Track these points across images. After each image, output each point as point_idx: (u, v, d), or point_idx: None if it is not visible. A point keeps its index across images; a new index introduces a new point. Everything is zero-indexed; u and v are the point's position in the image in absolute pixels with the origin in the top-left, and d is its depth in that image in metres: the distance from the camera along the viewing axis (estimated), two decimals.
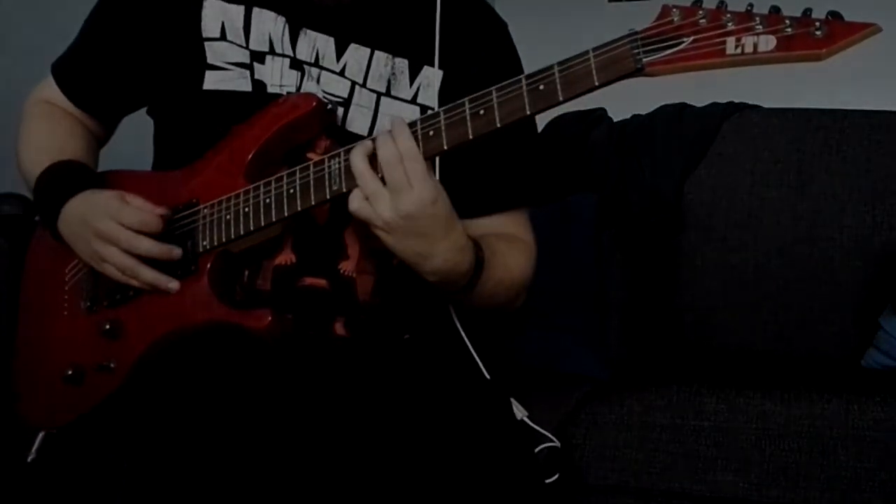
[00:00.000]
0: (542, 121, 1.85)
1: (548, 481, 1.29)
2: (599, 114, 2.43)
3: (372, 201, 1.14)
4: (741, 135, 2.27)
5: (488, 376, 1.33)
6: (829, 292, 2.14)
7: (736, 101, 2.34)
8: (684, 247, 2.24)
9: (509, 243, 1.35)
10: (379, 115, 1.34)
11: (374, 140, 1.15)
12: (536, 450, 1.32)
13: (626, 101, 2.35)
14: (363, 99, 1.33)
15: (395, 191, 1.12)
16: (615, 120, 2.43)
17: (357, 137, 1.28)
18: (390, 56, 1.34)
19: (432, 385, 1.23)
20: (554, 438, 1.33)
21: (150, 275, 1.26)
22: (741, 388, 1.76)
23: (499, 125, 1.11)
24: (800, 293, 2.16)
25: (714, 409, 1.74)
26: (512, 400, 1.35)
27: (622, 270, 2.17)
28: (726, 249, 2.22)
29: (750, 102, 2.33)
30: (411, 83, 1.35)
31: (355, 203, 1.15)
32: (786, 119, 2.26)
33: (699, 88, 2.30)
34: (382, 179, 1.14)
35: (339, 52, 1.34)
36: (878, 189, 2.16)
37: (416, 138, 1.15)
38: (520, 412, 1.34)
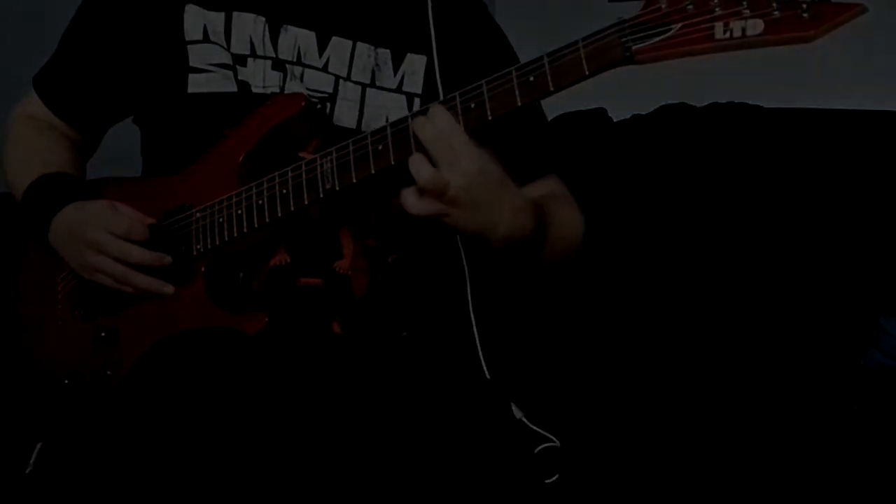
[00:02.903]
0: None
1: (548, 481, 1.29)
2: (599, 114, 2.43)
3: (431, 189, 1.09)
4: (741, 135, 2.27)
5: (489, 376, 1.33)
6: (829, 292, 2.14)
7: (736, 101, 2.34)
8: (684, 247, 2.24)
9: (559, 200, 1.35)
10: (365, 106, 1.33)
11: (414, 133, 1.12)
12: (536, 450, 1.32)
13: (626, 101, 2.36)
14: (348, 92, 1.33)
15: (447, 165, 1.09)
16: (615, 120, 2.43)
17: (345, 131, 1.28)
18: (372, 47, 1.34)
19: (431, 384, 1.23)
20: (554, 438, 1.32)
21: (143, 281, 1.26)
22: (742, 389, 1.76)
23: (490, 118, 1.10)
24: (800, 293, 2.16)
25: (714, 409, 1.74)
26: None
27: (623, 271, 2.17)
28: (726, 249, 2.22)
29: (750, 102, 2.33)
30: (395, 72, 1.35)
31: (415, 207, 1.10)
32: (786, 119, 2.26)
33: (699, 88, 2.31)
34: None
35: (321, 47, 1.33)
36: (878, 189, 2.16)
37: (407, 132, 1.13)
38: (518, 412, 1.34)
